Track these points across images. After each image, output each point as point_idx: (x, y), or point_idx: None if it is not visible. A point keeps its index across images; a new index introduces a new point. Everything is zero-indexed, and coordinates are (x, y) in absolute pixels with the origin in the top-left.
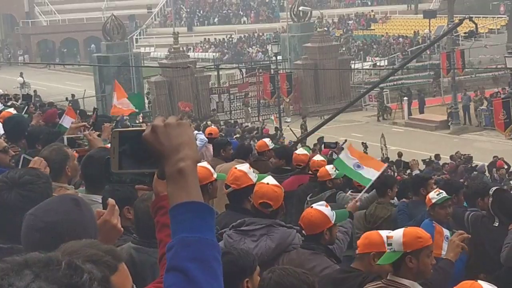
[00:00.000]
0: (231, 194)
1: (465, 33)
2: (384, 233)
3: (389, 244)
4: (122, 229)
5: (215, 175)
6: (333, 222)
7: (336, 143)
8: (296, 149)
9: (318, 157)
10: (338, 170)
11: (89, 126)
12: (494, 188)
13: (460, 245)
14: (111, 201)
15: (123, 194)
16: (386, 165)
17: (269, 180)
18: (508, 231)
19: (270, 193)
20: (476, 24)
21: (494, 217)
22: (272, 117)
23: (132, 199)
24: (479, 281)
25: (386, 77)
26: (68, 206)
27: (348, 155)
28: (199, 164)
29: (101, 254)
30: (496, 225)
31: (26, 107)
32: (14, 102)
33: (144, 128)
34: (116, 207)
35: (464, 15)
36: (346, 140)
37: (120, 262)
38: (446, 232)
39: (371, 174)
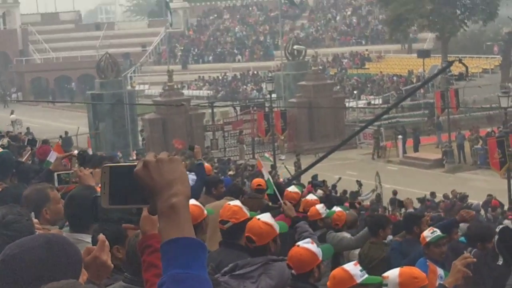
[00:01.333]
0: (228, 229)
1: (455, 75)
2: (349, 266)
3: (385, 285)
4: (112, 265)
5: (205, 212)
6: (320, 258)
7: (324, 181)
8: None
9: (311, 196)
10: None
11: (75, 156)
12: (501, 227)
13: (462, 270)
14: (101, 237)
15: (113, 233)
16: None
17: (262, 216)
18: None
19: (256, 228)
20: (466, 67)
21: (498, 255)
22: (267, 154)
23: (122, 238)
24: None
25: (379, 115)
26: (36, 243)
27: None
28: (191, 202)
29: None
30: (500, 263)
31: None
32: (4, 143)
33: (136, 163)
34: (107, 243)
35: (458, 55)
36: (340, 178)
37: None
38: (440, 271)
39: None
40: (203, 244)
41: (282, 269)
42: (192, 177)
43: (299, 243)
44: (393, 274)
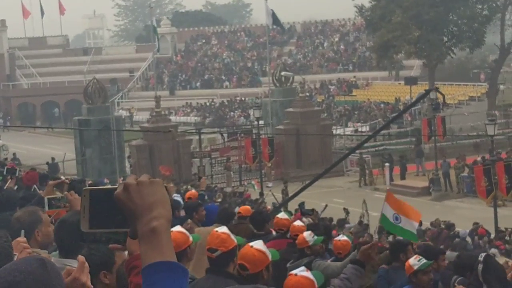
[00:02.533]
0: (217, 257)
1: (432, 104)
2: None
3: None
4: (91, 286)
5: (191, 239)
6: (316, 286)
7: (313, 210)
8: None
9: (298, 223)
10: (384, 227)
11: (68, 183)
12: (483, 254)
13: None
14: (81, 258)
15: (100, 259)
16: (421, 215)
17: (255, 243)
18: None
19: (249, 256)
20: (443, 96)
21: (482, 284)
22: (253, 182)
23: (109, 264)
24: None
25: (362, 143)
26: (32, 266)
27: (388, 206)
28: (175, 229)
29: None
30: None
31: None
32: None
33: (116, 186)
34: (86, 264)
35: (445, 82)
36: (326, 205)
37: None
38: None
39: (410, 225)
40: (185, 269)
41: None
42: (177, 199)
43: (296, 271)
44: None
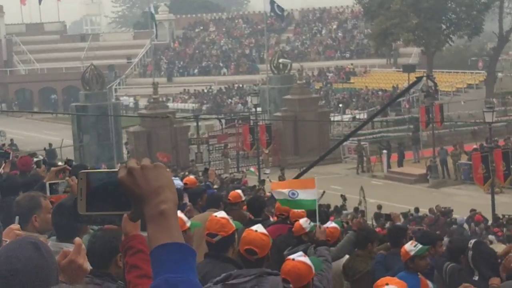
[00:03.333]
0: (217, 242)
1: (423, 91)
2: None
3: None
4: (88, 269)
5: (188, 224)
6: (314, 271)
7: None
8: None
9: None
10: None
11: (69, 169)
12: (473, 241)
13: None
14: (77, 240)
15: (118, 242)
16: (315, 179)
17: (258, 227)
18: (489, 286)
19: (258, 240)
20: (435, 83)
21: (474, 270)
22: (252, 168)
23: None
24: None
25: (356, 129)
26: (29, 251)
27: (278, 191)
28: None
29: None
30: (476, 279)
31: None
32: None
33: (116, 170)
34: (83, 246)
35: (443, 70)
36: (324, 192)
37: None
38: (431, 285)
39: (310, 194)
40: (193, 250)
41: (275, 284)
42: (176, 182)
43: (293, 256)
44: None
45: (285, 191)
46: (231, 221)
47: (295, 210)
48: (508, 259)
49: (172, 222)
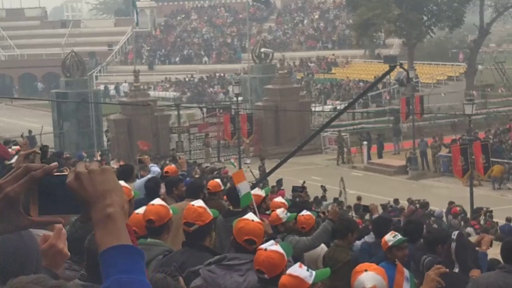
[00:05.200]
0: (194, 231)
1: (396, 80)
2: (296, 271)
3: None
4: (68, 253)
5: (171, 212)
6: (286, 259)
7: (304, 187)
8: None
9: (279, 199)
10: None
11: (38, 152)
12: (456, 233)
13: (436, 279)
14: (58, 225)
15: (86, 234)
16: (242, 170)
17: (253, 217)
18: (469, 278)
19: (256, 230)
20: (407, 72)
21: (455, 262)
22: (232, 160)
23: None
24: None
25: (330, 120)
26: (8, 234)
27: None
28: (156, 203)
29: None
30: (457, 270)
31: None
32: None
33: (66, 173)
34: (64, 231)
35: (424, 62)
36: (304, 182)
37: None
38: (407, 272)
39: (243, 187)
40: (142, 251)
41: None
42: (154, 168)
43: (265, 246)
44: (380, 282)
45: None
46: (208, 210)
47: (276, 200)
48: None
49: (119, 225)
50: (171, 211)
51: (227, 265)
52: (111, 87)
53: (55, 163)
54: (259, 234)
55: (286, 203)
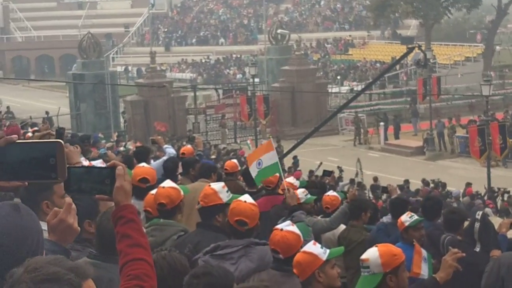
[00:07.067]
0: (200, 211)
1: (413, 61)
2: (310, 248)
3: (365, 267)
4: (78, 228)
5: (182, 193)
6: (302, 240)
7: (332, 171)
8: None
9: (290, 179)
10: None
11: (53, 133)
12: (480, 213)
13: (453, 265)
14: (68, 199)
15: (85, 207)
16: (270, 140)
17: (246, 198)
18: (490, 258)
19: (248, 211)
20: (425, 54)
21: (477, 242)
22: (248, 141)
23: (94, 213)
24: None
25: (348, 102)
26: (5, 210)
27: (252, 169)
28: (167, 185)
29: (64, 272)
30: (478, 250)
31: None
32: None
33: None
34: (73, 206)
35: (441, 43)
36: (321, 163)
37: (84, 279)
38: (425, 253)
39: (270, 158)
40: None
41: (263, 253)
42: (169, 150)
43: (281, 226)
44: (372, 255)
45: (254, 164)
46: (220, 194)
47: (288, 181)
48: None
49: None
50: (182, 192)
51: (219, 255)
52: (134, 69)
53: (15, 135)
54: (250, 215)
55: (296, 184)
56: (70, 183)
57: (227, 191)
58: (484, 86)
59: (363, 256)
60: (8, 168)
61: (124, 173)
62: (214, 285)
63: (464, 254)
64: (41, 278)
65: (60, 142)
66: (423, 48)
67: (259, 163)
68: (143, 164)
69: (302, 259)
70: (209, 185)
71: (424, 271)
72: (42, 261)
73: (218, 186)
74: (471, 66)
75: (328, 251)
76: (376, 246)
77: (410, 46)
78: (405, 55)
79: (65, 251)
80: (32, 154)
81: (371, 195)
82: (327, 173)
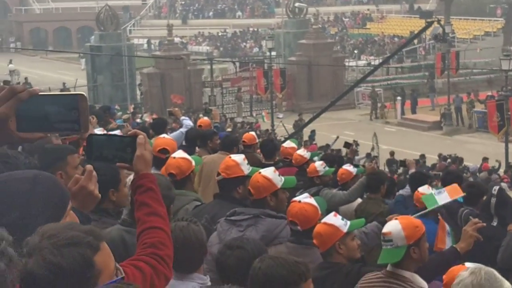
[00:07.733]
0: (221, 182)
1: (432, 36)
2: (331, 219)
3: (388, 240)
4: (99, 195)
5: (193, 163)
6: (320, 212)
7: (351, 144)
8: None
9: (301, 151)
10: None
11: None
12: (497, 188)
13: (474, 235)
14: (88, 167)
15: (108, 177)
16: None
17: (264, 170)
18: (508, 232)
19: (254, 182)
20: (443, 28)
21: (494, 216)
22: (263, 113)
23: (116, 181)
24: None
25: (365, 76)
26: (26, 187)
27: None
28: (178, 156)
29: (82, 235)
30: (495, 224)
31: None
32: None
33: (115, 134)
34: (94, 173)
35: (461, 17)
36: (337, 137)
37: (101, 241)
38: (448, 226)
39: (443, 198)
40: None
41: (272, 226)
42: (186, 122)
43: (299, 198)
44: (395, 228)
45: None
46: (242, 166)
47: (298, 153)
48: None
49: None
50: (193, 163)
51: (231, 221)
52: (156, 41)
53: (37, 87)
54: (255, 186)
55: (306, 156)
56: (92, 150)
57: (247, 163)
58: (503, 61)
59: (385, 230)
60: (31, 120)
61: (145, 142)
62: (245, 259)
63: (484, 224)
64: (62, 243)
65: (83, 94)
66: (442, 22)
67: (439, 192)
68: (164, 135)
69: (323, 231)
70: (230, 157)
71: (448, 246)
72: (57, 227)
73: (239, 158)
74: (491, 41)
75: (349, 223)
76: (396, 219)
77: (429, 20)
78: (424, 29)
79: (86, 217)
80: (54, 106)
81: (386, 169)
82: (348, 145)
